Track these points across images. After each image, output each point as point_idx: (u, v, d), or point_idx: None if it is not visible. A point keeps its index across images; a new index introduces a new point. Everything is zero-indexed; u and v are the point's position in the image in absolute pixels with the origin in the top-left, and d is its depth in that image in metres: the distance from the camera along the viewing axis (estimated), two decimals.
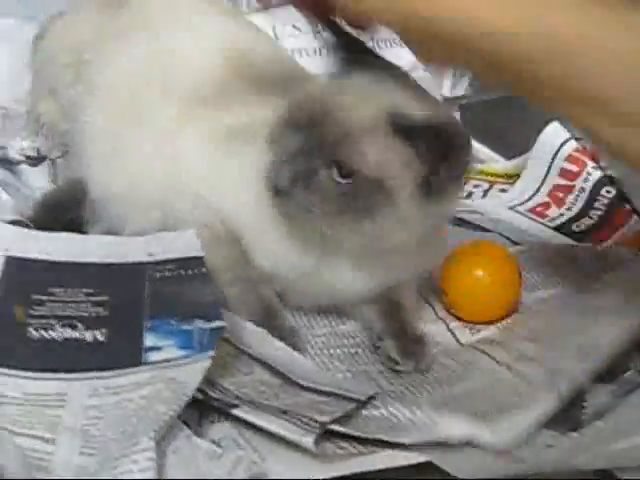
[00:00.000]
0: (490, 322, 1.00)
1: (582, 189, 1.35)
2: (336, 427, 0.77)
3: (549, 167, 1.37)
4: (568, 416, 0.84)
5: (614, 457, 0.79)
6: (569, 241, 1.25)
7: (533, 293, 1.06)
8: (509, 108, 1.41)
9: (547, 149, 1.37)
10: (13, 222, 1.02)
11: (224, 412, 0.79)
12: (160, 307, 0.84)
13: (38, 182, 1.20)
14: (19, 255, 0.88)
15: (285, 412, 0.77)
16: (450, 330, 1.00)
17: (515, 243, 1.19)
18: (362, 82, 0.89)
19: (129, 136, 1.01)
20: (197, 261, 0.89)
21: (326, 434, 0.76)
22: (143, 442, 0.67)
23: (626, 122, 0.75)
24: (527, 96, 0.81)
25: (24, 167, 1.20)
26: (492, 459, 0.78)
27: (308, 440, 0.73)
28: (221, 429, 0.78)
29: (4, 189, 1.15)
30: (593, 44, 0.74)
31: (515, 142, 1.43)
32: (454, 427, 0.79)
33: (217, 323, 0.80)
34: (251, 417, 0.77)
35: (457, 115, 1.40)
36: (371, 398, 0.83)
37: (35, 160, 1.21)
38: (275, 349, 0.88)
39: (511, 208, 1.34)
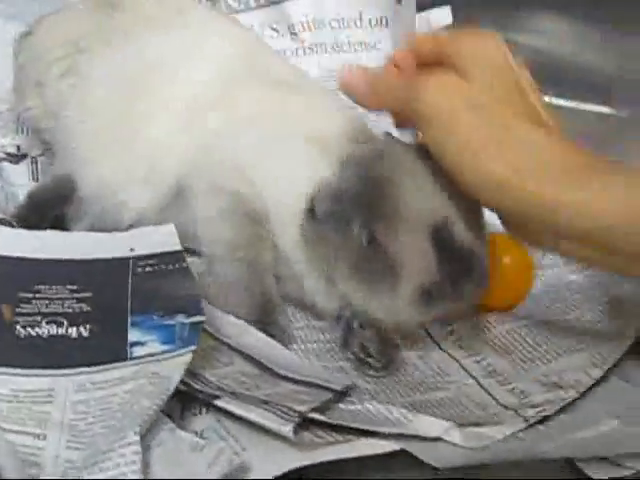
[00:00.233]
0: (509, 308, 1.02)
1: None
2: (314, 415, 0.79)
3: None
4: None
5: (578, 446, 0.81)
6: None
7: None
8: None
9: None
10: None
11: (206, 403, 0.80)
12: (143, 302, 0.85)
13: (20, 180, 1.19)
14: (4, 254, 0.89)
15: (265, 402, 0.79)
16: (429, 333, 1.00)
17: None
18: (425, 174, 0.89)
19: (146, 118, 1.03)
20: (177, 255, 0.90)
21: (305, 423, 0.78)
22: (129, 436, 0.69)
23: None
24: None
25: (5, 165, 1.20)
26: (462, 449, 0.81)
27: (287, 429, 0.75)
28: (203, 421, 0.80)
29: None
30: None
31: None
32: (427, 426, 0.81)
33: (197, 317, 0.82)
34: (232, 407, 0.78)
35: None
36: (346, 393, 0.85)
37: (16, 158, 1.20)
38: (255, 339, 0.89)
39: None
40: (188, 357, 0.78)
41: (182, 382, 0.78)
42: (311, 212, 0.91)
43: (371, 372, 0.92)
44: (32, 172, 1.20)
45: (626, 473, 0.79)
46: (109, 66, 1.06)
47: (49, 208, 1.09)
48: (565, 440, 0.82)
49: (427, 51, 0.87)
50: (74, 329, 0.83)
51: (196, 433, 0.78)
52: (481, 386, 0.92)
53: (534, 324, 1.00)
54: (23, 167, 1.21)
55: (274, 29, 1.30)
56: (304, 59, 1.30)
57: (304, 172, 0.95)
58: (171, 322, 0.82)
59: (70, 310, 0.84)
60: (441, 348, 0.98)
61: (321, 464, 0.75)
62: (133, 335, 0.82)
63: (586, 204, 0.75)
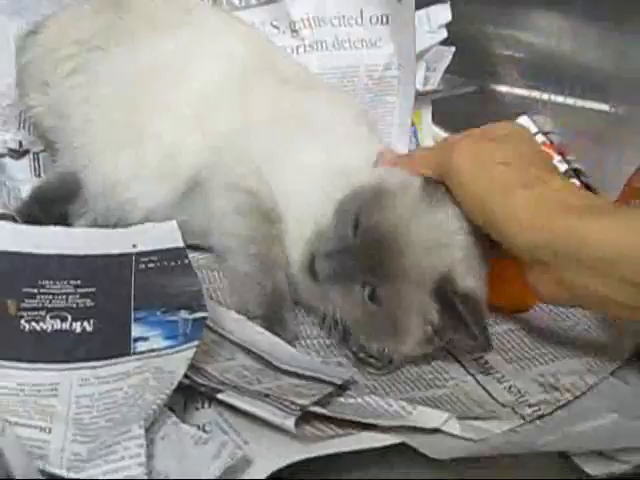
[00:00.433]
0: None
1: None
2: (316, 408, 0.80)
3: None
4: None
5: (575, 440, 0.82)
6: None
7: None
8: (480, 102, 1.45)
9: None
10: (0, 217, 1.03)
11: (209, 397, 0.81)
12: (146, 298, 0.86)
13: (21, 175, 1.20)
14: (8, 249, 0.89)
15: (267, 396, 0.80)
16: None
17: None
18: (434, 223, 0.92)
19: (157, 116, 1.04)
20: (179, 252, 0.91)
21: (305, 417, 0.79)
22: (133, 430, 0.70)
23: None
24: None
25: (7, 160, 1.21)
26: (461, 441, 0.82)
27: (289, 422, 0.76)
28: (205, 414, 0.81)
29: None
30: None
31: None
32: (427, 417, 0.83)
33: (200, 313, 0.83)
34: (235, 401, 0.80)
35: (429, 109, 1.42)
36: (346, 386, 0.86)
37: (18, 153, 1.21)
38: (257, 334, 0.90)
39: None
40: (191, 352, 0.79)
41: (185, 376, 0.79)
42: (311, 269, 0.92)
43: (371, 370, 0.93)
44: (34, 168, 1.21)
45: (622, 468, 0.80)
46: (118, 65, 1.07)
47: (53, 205, 1.10)
48: (563, 433, 0.83)
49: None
50: (78, 324, 0.84)
51: (199, 427, 0.79)
52: (479, 383, 0.93)
53: (533, 327, 1.01)
54: (25, 162, 1.21)
55: (275, 26, 1.30)
56: (305, 56, 1.30)
57: (318, 178, 0.97)
58: (174, 318, 0.83)
59: (74, 305, 0.85)
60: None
61: (322, 457, 0.76)
62: (136, 330, 0.83)
63: (604, 233, 0.80)
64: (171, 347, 0.81)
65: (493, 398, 0.90)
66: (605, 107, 1.33)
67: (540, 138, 1.39)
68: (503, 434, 0.84)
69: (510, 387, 0.92)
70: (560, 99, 1.40)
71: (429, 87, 1.46)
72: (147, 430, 0.72)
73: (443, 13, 1.41)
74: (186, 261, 0.89)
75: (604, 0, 1.37)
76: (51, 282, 0.87)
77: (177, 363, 0.79)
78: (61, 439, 0.72)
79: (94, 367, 0.80)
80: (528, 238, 0.84)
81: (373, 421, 0.81)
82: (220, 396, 0.80)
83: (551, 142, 1.39)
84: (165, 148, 1.03)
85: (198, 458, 0.72)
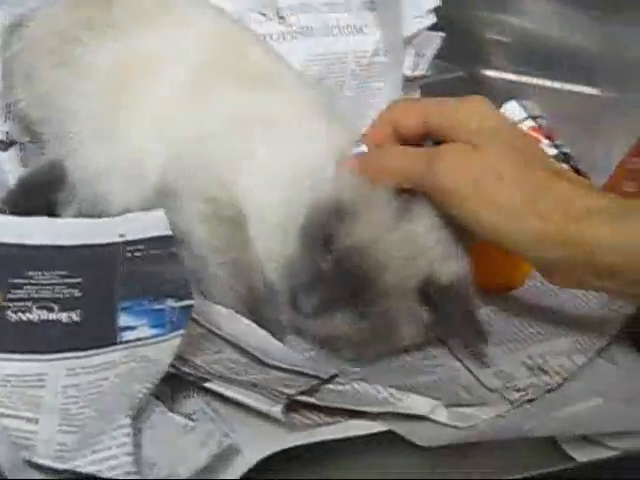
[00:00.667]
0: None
1: None
2: (303, 397, 0.81)
3: None
4: None
5: (562, 425, 0.83)
6: None
7: None
8: (468, 87, 1.45)
9: None
10: None
11: (197, 385, 0.82)
12: (132, 287, 0.86)
13: (8, 166, 1.20)
14: None
15: (255, 385, 0.81)
16: None
17: None
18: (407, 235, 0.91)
19: (127, 114, 1.04)
20: (166, 240, 0.90)
21: (293, 406, 0.80)
22: (120, 419, 0.71)
23: None
24: None
25: None
26: (449, 428, 0.83)
27: (277, 410, 0.77)
28: (193, 403, 0.82)
29: None
30: None
31: None
32: (415, 404, 0.83)
33: (187, 302, 0.83)
34: (223, 390, 0.80)
35: (417, 95, 1.42)
36: (334, 376, 0.86)
37: (5, 144, 1.20)
38: (244, 328, 0.91)
39: None
40: (177, 341, 0.79)
41: (172, 366, 0.79)
42: (295, 306, 0.92)
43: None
44: (21, 158, 1.20)
45: (610, 453, 0.81)
46: (99, 59, 1.07)
47: (40, 194, 1.10)
48: (550, 417, 0.84)
49: (412, 126, 0.92)
50: (65, 314, 0.83)
51: (186, 415, 0.79)
52: (467, 368, 0.93)
53: (519, 306, 1.02)
54: (12, 153, 1.21)
55: (262, 13, 1.30)
56: (292, 43, 1.29)
57: (282, 179, 0.97)
58: (161, 306, 0.83)
59: (61, 295, 0.85)
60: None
61: (309, 445, 0.77)
62: (123, 320, 0.83)
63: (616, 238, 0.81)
64: (158, 336, 0.81)
65: (481, 383, 0.91)
66: (594, 91, 1.33)
67: (529, 123, 1.39)
68: (490, 420, 0.84)
69: (500, 371, 0.92)
70: (549, 83, 1.40)
71: (418, 72, 1.45)
72: (134, 419, 0.72)
73: None
74: (173, 249, 0.89)
75: None
76: (38, 273, 0.86)
77: (163, 352, 0.79)
78: (48, 430, 0.73)
79: (81, 357, 0.80)
80: (541, 255, 0.85)
81: (361, 408, 0.81)
82: (208, 385, 0.81)
83: (540, 126, 1.39)
84: (132, 150, 1.03)
85: (185, 446, 0.73)
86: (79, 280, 0.86)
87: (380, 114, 0.96)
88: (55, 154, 1.09)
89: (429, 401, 0.84)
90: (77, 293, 0.85)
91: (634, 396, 0.88)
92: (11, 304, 0.83)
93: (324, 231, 0.91)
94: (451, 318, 0.90)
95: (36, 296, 0.84)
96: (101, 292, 0.86)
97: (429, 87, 1.45)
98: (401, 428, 0.81)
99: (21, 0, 1.18)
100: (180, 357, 0.81)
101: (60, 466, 0.68)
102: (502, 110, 1.39)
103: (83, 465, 0.68)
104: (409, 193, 0.90)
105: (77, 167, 1.07)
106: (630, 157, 1.11)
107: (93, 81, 1.06)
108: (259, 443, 0.76)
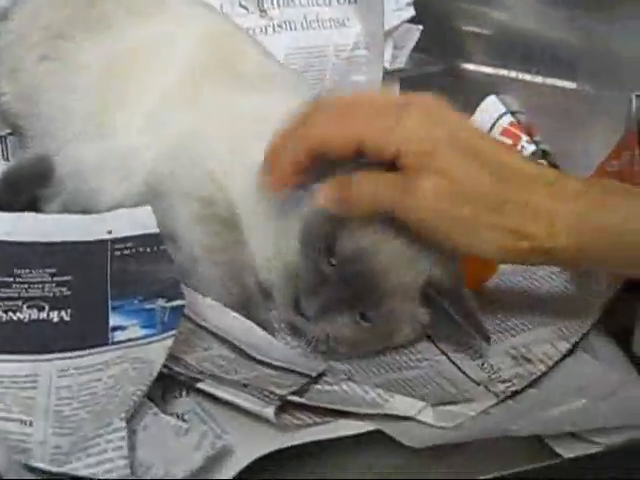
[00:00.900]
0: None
1: None
2: (294, 398, 0.81)
3: None
4: None
5: (548, 424, 0.83)
6: None
7: None
8: (448, 81, 1.45)
9: (485, 122, 1.39)
10: None
11: (189, 386, 0.81)
12: (123, 286, 0.86)
13: None
14: None
15: (245, 385, 0.81)
16: None
17: None
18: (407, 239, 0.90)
19: (118, 111, 1.04)
20: (154, 238, 0.90)
21: (284, 406, 0.80)
22: (115, 422, 0.70)
23: None
24: None
25: None
26: (436, 429, 0.83)
27: (269, 411, 0.77)
28: (184, 403, 0.81)
29: None
30: None
31: None
32: (402, 406, 0.83)
33: (178, 302, 0.82)
34: (215, 390, 0.80)
35: (397, 88, 1.42)
36: (322, 375, 0.87)
37: None
38: (232, 321, 0.90)
39: None
40: (170, 342, 0.79)
41: (164, 366, 0.79)
42: (298, 309, 0.92)
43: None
44: (1, 150, 1.19)
45: (594, 449, 0.81)
46: (86, 54, 1.07)
47: (26, 189, 1.09)
48: (535, 418, 0.84)
49: (343, 150, 0.87)
50: (55, 313, 0.83)
51: (177, 416, 0.79)
52: (452, 362, 0.94)
53: (503, 299, 1.03)
54: None
55: (243, 7, 1.30)
56: (273, 37, 1.30)
57: None
58: (151, 306, 0.83)
59: (50, 294, 0.85)
60: None
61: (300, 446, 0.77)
62: (114, 319, 0.83)
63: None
64: (149, 336, 0.80)
65: (466, 376, 0.91)
66: (573, 85, 1.34)
67: (508, 118, 1.40)
68: (477, 417, 0.85)
69: (483, 364, 0.93)
70: (528, 77, 1.40)
71: (397, 65, 1.46)
72: (128, 421, 0.72)
73: None
74: (162, 247, 0.89)
75: None
76: (26, 271, 0.86)
77: (156, 353, 0.78)
78: (42, 432, 0.72)
79: (72, 357, 0.79)
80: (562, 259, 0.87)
81: (350, 409, 0.82)
82: (200, 385, 0.81)
83: (519, 122, 1.39)
84: (120, 147, 1.03)
85: (180, 449, 0.72)
86: (68, 278, 0.86)
87: (292, 136, 0.90)
88: (42, 149, 1.08)
89: (415, 402, 0.84)
90: (67, 292, 0.85)
91: (615, 390, 0.88)
92: (1, 303, 0.82)
93: (326, 235, 0.90)
94: (453, 319, 0.90)
95: (26, 295, 0.84)
96: (91, 291, 0.85)
97: (408, 80, 1.44)
98: (390, 429, 0.81)
99: None
100: (171, 355, 0.80)
101: (55, 469, 0.67)
102: (482, 105, 1.40)
103: (78, 468, 0.67)
104: None
105: (65, 163, 1.06)
106: (610, 160, 1.11)
107: (82, 76, 1.06)
108: (251, 444, 0.76)
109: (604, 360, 0.94)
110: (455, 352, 0.95)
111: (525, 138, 1.38)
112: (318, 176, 0.90)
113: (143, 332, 0.81)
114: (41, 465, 0.68)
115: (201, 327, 0.88)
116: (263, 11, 1.30)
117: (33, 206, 1.07)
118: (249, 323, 0.91)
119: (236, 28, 1.18)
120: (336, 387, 0.86)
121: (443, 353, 0.95)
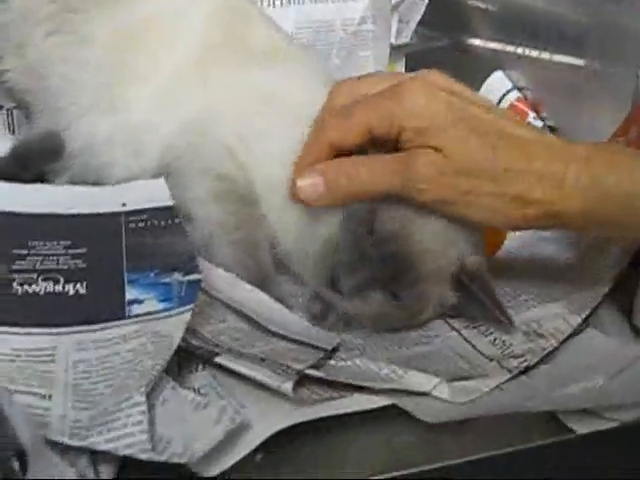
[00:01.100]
0: None
1: None
2: (312, 372, 0.80)
3: None
4: None
5: (563, 401, 0.82)
6: None
7: None
8: (454, 56, 1.44)
9: (491, 97, 1.38)
10: None
11: (206, 360, 0.80)
12: (138, 259, 0.84)
13: None
14: None
15: (263, 360, 0.80)
16: None
17: None
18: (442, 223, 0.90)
19: (131, 84, 1.02)
20: (169, 211, 0.89)
21: (301, 380, 0.79)
22: (135, 397, 0.69)
23: None
24: None
25: None
26: (451, 404, 0.82)
27: (287, 386, 0.76)
28: (200, 377, 0.80)
29: None
30: None
31: None
32: (417, 381, 0.83)
33: (194, 276, 0.81)
34: (233, 365, 0.79)
35: (402, 63, 1.41)
36: (336, 350, 0.86)
37: None
38: (246, 292, 0.89)
39: None
40: (187, 316, 0.78)
41: (182, 339, 0.77)
42: (335, 285, 0.90)
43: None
44: (8, 124, 1.18)
45: (609, 425, 0.81)
46: (97, 27, 1.04)
47: (36, 163, 1.07)
48: (551, 395, 0.84)
49: (357, 142, 0.88)
50: (70, 286, 0.82)
51: (194, 390, 0.78)
52: (464, 338, 0.93)
53: (513, 275, 1.02)
54: None
55: None
56: (282, 10, 1.28)
57: (294, 154, 0.94)
58: (168, 280, 0.82)
59: (65, 267, 0.83)
60: None
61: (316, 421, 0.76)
62: (130, 293, 0.82)
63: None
64: (167, 310, 0.80)
65: (479, 352, 0.91)
66: (580, 62, 1.32)
67: (515, 94, 1.39)
68: (491, 393, 0.84)
69: (495, 340, 0.92)
70: (535, 54, 1.39)
71: (402, 40, 1.44)
72: (147, 396, 0.70)
73: None
74: (177, 220, 0.88)
75: None
76: (41, 243, 0.85)
77: (174, 327, 0.77)
78: (61, 406, 0.71)
79: (89, 331, 0.78)
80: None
81: (366, 384, 0.81)
82: (218, 359, 0.79)
83: (525, 98, 1.38)
84: (134, 122, 1.01)
85: (199, 423, 0.71)
86: (83, 251, 0.85)
87: (313, 135, 0.92)
88: (52, 123, 1.06)
89: (430, 378, 0.83)
90: (82, 264, 0.84)
91: (627, 365, 0.88)
92: (16, 275, 0.81)
93: (368, 214, 0.89)
94: (482, 303, 0.90)
95: (40, 267, 0.82)
96: (106, 263, 0.84)
97: (414, 56, 1.43)
98: (405, 403, 0.80)
99: None
100: (188, 329, 0.79)
101: (76, 443, 0.66)
102: (489, 80, 1.39)
103: (99, 443, 0.66)
104: None
105: (77, 137, 1.04)
106: (616, 136, 1.10)
107: (94, 50, 1.03)
108: (268, 418, 0.75)
109: (614, 335, 0.93)
110: (466, 329, 0.94)
111: (532, 114, 1.37)
112: None
113: (160, 306, 0.80)
114: (61, 439, 0.67)
115: (215, 299, 0.87)
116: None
117: (41, 180, 1.05)
118: (263, 295, 0.90)
119: (246, 2, 1.15)
120: (350, 362, 0.85)
121: (454, 329, 0.94)
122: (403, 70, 1.42)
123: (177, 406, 0.73)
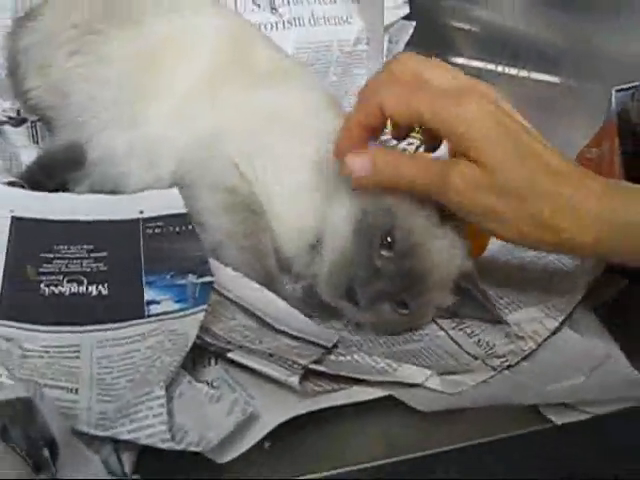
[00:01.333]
0: None
1: None
2: (315, 366, 0.80)
3: None
4: None
5: (545, 395, 0.83)
6: None
7: None
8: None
9: None
10: (10, 183, 1.01)
11: (219, 355, 0.81)
12: (155, 263, 0.85)
13: (20, 141, 1.18)
14: (24, 215, 0.88)
15: (271, 355, 0.80)
16: None
17: None
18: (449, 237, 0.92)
19: (152, 100, 1.03)
20: (183, 218, 0.90)
21: (304, 374, 0.79)
22: (155, 390, 0.70)
23: None
24: None
25: (7, 127, 1.18)
26: (443, 395, 0.83)
27: (294, 380, 0.77)
28: (213, 371, 0.80)
29: None
30: None
31: None
32: (410, 374, 0.83)
33: (207, 278, 0.82)
34: (244, 360, 0.79)
35: None
36: (335, 346, 0.86)
37: (16, 121, 1.18)
38: (252, 290, 0.89)
39: None
40: (201, 315, 0.78)
41: (197, 337, 0.78)
42: (350, 297, 0.90)
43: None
44: (32, 135, 1.18)
45: (583, 416, 0.82)
46: (117, 47, 1.05)
47: (59, 172, 1.08)
48: (537, 391, 0.84)
49: (403, 115, 0.85)
50: (94, 287, 0.82)
51: (207, 383, 0.78)
52: (450, 337, 0.94)
53: (495, 279, 1.01)
54: (23, 130, 1.18)
55: (257, 4, 1.30)
56: (283, 32, 1.30)
57: (297, 170, 0.96)
58: (183, 282, 0.82)
59: (88, 269, 0.84)
60: None
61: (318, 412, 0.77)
62: (149, 294, 0.82)
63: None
64: (182, 310, 0.80)
65: (465, 351, 0.91)
66: (556, 79, 1.33)
67: None
68: (478, 386, 0.84)
69: (479, 341, 0.92)
70: (513, 71, 1.40)
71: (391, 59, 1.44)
72: (166, 389, 0.71)
73: None
74: (190, 227, 0.89)
75: None
76: (65, 247, 0.86)
77: (189, 325, 0.78)
78: (87, 399, 0.71)
79: (111, 329, 0.79)
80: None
81: (364, 376, 0.81)
82: (230, 355, 0.80)
83: None
84: (151, 134, 1.02)
85: (213, 415, 0.72)
86: (104, 254, 0.86)
87: (366, 94, 0.88)
88: (73, 136, 1.07)
89: (423, 370, 0.84)
90: (103, 267, 0.84)
91: (600, 364, 0.88)
92: (44, 278, 0.81)
93: (383, 228, 0.89)
94: (480, 304, 0.92)
95: (66, 270, 0.83)
96: (126, 266, 0.85)
97: None
98: (400, 394, 0.81)
99: None
100: (201, 327, 0.79)
101: (102, 433, 0.67)
102: None
103: (122, 433, 0.67)
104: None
105: (97, 148, 1.05)
106: (589, 147, 1.11)
107: (113, 69, 1.04)
108: (275, 409, 0.75)
109: (588, 335, 0.93)
110: (453, 330, 0.94)
111: None
112: None
113: (177, 306, 0.80)
114: (87, 429, 0.67)
115: (225, 297, 0.87)
116: (274, 8, 1.30)
117: (63, 188, 1.06)
118: (270, 294, 0.90)
119: (247, 24, 1.16)
120: (348, 357, 0.85)
121: (442, 329, 0.95)
122: None
123: (193, 399, 0.73)
